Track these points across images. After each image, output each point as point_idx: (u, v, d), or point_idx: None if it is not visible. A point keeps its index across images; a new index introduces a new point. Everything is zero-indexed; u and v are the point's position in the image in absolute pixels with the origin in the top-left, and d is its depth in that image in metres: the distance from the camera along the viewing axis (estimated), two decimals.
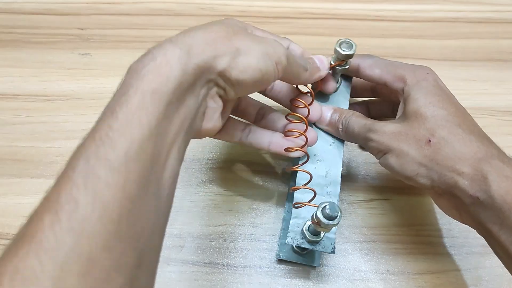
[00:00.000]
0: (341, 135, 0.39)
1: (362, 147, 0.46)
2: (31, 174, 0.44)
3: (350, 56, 0.38)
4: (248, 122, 0.38)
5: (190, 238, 0.40)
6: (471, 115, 0.35)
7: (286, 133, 0.37)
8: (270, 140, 0.37)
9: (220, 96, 0.31)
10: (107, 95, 0.50)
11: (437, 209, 0.42)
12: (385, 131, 0.35)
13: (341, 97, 0.41)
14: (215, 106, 0.31)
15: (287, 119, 0.38)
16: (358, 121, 0.38)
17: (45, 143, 0.45)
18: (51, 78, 0.50)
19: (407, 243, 0.40)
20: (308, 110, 0.37)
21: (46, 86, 0.49)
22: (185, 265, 0.39)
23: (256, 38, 0.31)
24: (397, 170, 0.35)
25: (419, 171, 0.34)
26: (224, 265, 0.39)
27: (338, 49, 0.38)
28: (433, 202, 0.42)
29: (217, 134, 0.36)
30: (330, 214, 0.31)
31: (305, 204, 0.35)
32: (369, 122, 0.37)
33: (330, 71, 0.38)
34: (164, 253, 0.40)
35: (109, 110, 0.25)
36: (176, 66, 0.27)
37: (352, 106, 0.44)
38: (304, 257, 0.39)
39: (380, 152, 0.36)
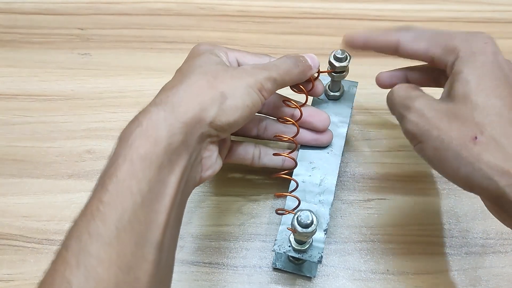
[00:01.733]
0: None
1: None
2: (31, 174, 0.44)
3: (344, 68, 0.37)
4: (256, 143, 0.38)
5: (190, 238, 0.40)
6: None
7: (275, 137, 0.37)
8: (283, 158, 0.38)
9: (214, 142, 0.31)
10: (106, 95, 0.50)
11: (436, 209, 0.42)
12: (425, 113, 0.29)
13: (344, 106, 0.40)
14: (210, 153, 0.31)
15: (278, 120, 0.37)
16: (402, 90, 0.32)
17: (45, 143, 0.45)
18: (51, 78, 0.50)
19: (406, 243, 0.40)
20: (300, 110, 0.37)
21: (45, 86, 0.49)
22: (185, 265, 0.39)
23: (235, 74, 0.31)
24: (436, 165, 0.30)
25: (460, 171, 0.28)
26: (224, 265, 0.39)
27: (332, 61, 0.37)
28: (433, 202, 0.42)
29: (226, 159, 0.36)
30: (303, 222, 0.31)
31: (288, 212, 0.35)
32: (413, 94, 0.31)
33: (316, 74, 0.37)
34: None
35: (100, 184, 0.25)
36: (163, 128, 0.27)
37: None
38: (300, 266, 0.38)
39: (415, 139, 0.30)
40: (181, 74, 0.31)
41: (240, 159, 0.37)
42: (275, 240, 0.34)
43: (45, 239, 0.40)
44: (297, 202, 0.35)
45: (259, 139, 0.39)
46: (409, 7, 0.57)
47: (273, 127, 0.38)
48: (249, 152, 0.37)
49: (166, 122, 0.27)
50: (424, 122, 0.29)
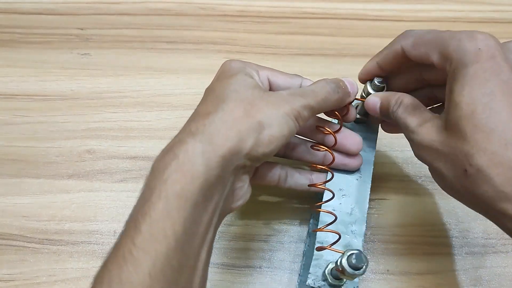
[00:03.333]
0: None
1: None
2: (30, 174, 0.43)
3: (382, 88, 0.35)
4: (282, 164, 0.36)
5: (215, 268, 0.39)
6: None
7: (311, 166, 0.36)
8: (310, 180, 0.36)
9: (247, 172, 0.30)
10: (106, 95, 0.50)
11: (437, 209, 0.42)
12: (421, 142, 0.30)
13: (371, 130, 0.39)
14: (243, 183, 0.30)
15: (312, 148, 0.36)
16: (404, 111, 0.32)
17: (44, 143, 0.45)
18: (51, 78, 0.50)
19: (407, 243, 0.40)
20: (335, 137, 0.35)
21: (45, 86, 0.49)
22: None
23: (272, 100, 0.29)
24: (441, 188, 0.30)
25: (461, 199, 0.29)
26: (224, 265, 0.39)
27: (370, 90, 0.35)
28: (433, 202, 0.42)
29: (251, 181, 0.33)
30: (356, 264, 0.29)
31: (328, 248, 0.33)
32: (413, 121, 0.31)
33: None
34: None
35: (133, 222, 0.24)
36: (200, 162, 0.25)
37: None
38: None
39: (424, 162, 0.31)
40: (216, 98, 0.29)
41: (266, 181, 0.36)
42: (309, 273, 0.33)
43: (45, 239, 0.40)
44: (337, 236, 0.33)
45: (287, 158, 0.37)
46: (409, 7, 0.57)
47: (303, 149, 0.36)
48: (275, 174, 0.35)
49: (204, 156, 0.25)
50: (421, 151, 0.30)
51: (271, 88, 0.33)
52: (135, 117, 0.47)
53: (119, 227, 0.41)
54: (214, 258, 0.39)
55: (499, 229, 0.28)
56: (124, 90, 0.49)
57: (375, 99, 0.34)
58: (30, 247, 0.40)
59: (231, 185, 0.29)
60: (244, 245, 0.40)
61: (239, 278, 0.39)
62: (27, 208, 0.42)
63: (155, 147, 0.45)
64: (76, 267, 0.39)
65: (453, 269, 0.39)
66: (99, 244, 0.40)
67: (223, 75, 0.31)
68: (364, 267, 0.29)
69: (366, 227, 0.35)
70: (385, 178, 0.44)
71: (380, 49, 0.34)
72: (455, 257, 0.40)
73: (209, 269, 0.38)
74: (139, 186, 0.44)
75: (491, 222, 0.28)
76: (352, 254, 0.29)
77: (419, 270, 0.39)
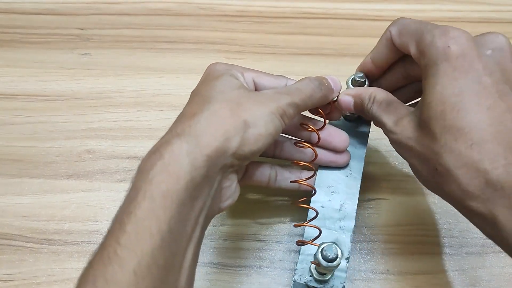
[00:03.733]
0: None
1: None
2: (30, 174, 0.44)
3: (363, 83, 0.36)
4: (272, 164, 0.36)
5: (207, 268, 0.39)
6: None
7: (293, 163, 0.36)
8: (300, 178, 0.36)
9: (234, 171, 0.30)
10: (106, 95, 0.50)
11: (436, 209, 0.42)
12: (397, 141, 0.30)
13: (361, 126, 0.39)
14: (230, 182, 0.30)
15: (296, 145, 0.36)
16: (379, 108, 0.32)
17: (45, 143, 0.45)
18: (51, 78, 0.50)
19: (406, 243, 0.40)
20: (318, 135, 0.35)
21: (45, 86, 0.49)
22: None
23: (257, 99, 0.29)
24: (420, 182, 0.31)
25: (437, 194, 0.30)
26: (224, 265, 0.39)
27: (350, 85, 0.36)
28: (433, 202, 0.42)
29: (241, 181, 0.34)
30: (328, 256, 0.30)
31: (308, 243, 0.33)
32: (389, 119, 0.31)
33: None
34: None
35: (118, 221, 0.24)
36: (185, 162, 0.25)
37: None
38: None
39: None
40: (202, 99, 0.29)
41: (256, 181, 0.36)
42: (295, 270, 0.33)
43: (45, 239, 0.40)
44: (318, 231, 0.34)
45: (276, 158, 0.37)
46: (409, 7, 0.57)
47: (290, 147, 0.37)
48: (265, 174, 0.36)
49: (189, 156, 0.25)
50: (402, 151, 0.31)
51: (256, 89, 0.34)
52: (134, 117, 0.47)
53: None
54: (211, 258, 0.39)
55: None
56: (124, 90, 0.49)
57: (347, 98, 0.34)
58: (29, 247, 0.40)
59: (219, 184, 0.29)
60: (240, 245, 0.40)
61: (236, 278, 0.39)
62: (27, 208, 0.42)
63: None
64: (75, 267, 0.39)
65: (452, 269, 0.39)
66: (98, 244, 0.40)
67: (208, 78, 0.32)
68: (337, 259, 0.30)
69: (355, 223, 0.35)
70: (384, 178, 0.44)
71: None
72: (454, 257, 0.40)
73: (207, 269, 0.39)
74: None
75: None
76: (325, 246, 0.30)
77: (418, 270, 0.39)
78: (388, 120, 0.31)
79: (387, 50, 0.33)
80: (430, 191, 0.42)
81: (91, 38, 0.53)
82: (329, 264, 0.30)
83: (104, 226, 0.41)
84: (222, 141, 0.27)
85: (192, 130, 0.27)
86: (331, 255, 0.30)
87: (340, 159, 0.37)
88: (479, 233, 0.40)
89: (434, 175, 0.28)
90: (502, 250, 0.27)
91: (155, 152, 0.26)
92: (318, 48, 0.52)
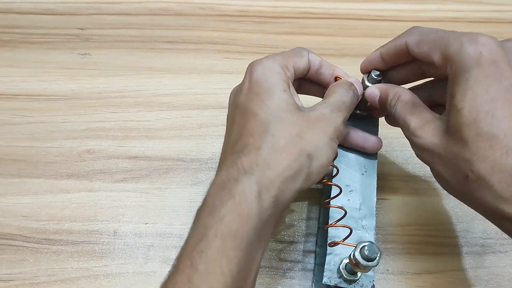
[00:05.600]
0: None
1: None
2: (31, 174, 0.43)
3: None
4: None
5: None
6: None
7: None
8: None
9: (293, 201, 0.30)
10: (106, 95, 0.50)
11: (436, 209, 0.42)
12: (422, 145, 0.30)
13: (371, 123, 0.39)
14: (288, 211, 0.31)
15: None
16: (403, 109, 0.32)
17: (45, 143, 0.45)
18: (51, 78, 0.50)
19: (406, 243, 0.40)
20: (337, 169, 0.35)
21: (45, 86, 0.49)
22: None
23: (316, 125, 0.29)
24: (443, 188, 0.31)
25: (462, 200, 0.30)
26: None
27: (368, 83, 0.36)
28: (433, 202, 0.42)
29: None
30: (369, 255, 0.29)
31: (341, 243, 0.33)
32: (413, 122, 0.30)
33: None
34: (164, 253, 0.40)
35: (188, 258, 0.24)
36: (255, 204, 0.26)
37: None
38: None
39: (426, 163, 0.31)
40: (259, 124, 0.28)
41: None
42: (324, 272, 0.33)
43: (45, 239, 0.40)
44: (348, 231, 0.33)
45: None
46: (409, 7, 0.57)
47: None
48: None
49: (259, 198, 0.26)
50: (422, 154, 0.30)
51: (295, 74, 0.33)
52: (135, 117, 0.47)
53: (118, 227, 0.41)
54: None
55: (498, 229, 0.28)
56: (124, 90, 0.49)
57: (375, 91, 0.34)
58: (29, 247, 0.40)
59: (281, 217, 0.29)
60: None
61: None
62: (27, 208, 0.42)
63: (155, 147, 0.45)
64: (75, 267, 0.39)
65: (452, 269, 0.39)
66: (98, 244, 0.40)
67: (258, 90, 0.30)
68: (377, 258, 0.30)
69: (376, 221, 0.35)
70: (385, 178, 0.44)
71: None
72: (454, 257, 0.40)
73: None
74: (139, 186, 0.45)
75: (490, 222, 0.29)
76: (365, 246, 0.30)
77: (418, 270, 0.39)
78: (412, 122, 0.31)
79: (399, 55, 0.33)
80: (430, 192, 0.43)
81: (91, 38, 0.53)
82: (369, 263, 0.30)
83: (104, 226, 0.41)
84: (288, 182, 0.27)
85: (260, 168, 0.27)
86: (372, 254, 0.29)
87: (372, 142, 0.37)
88: (479, 233, 0.40)
89: (463, 182, 0.27)
90: (502, 250, 0.28)
91: (224, 188, 0.26)
92: (318, 48, 0.52)
